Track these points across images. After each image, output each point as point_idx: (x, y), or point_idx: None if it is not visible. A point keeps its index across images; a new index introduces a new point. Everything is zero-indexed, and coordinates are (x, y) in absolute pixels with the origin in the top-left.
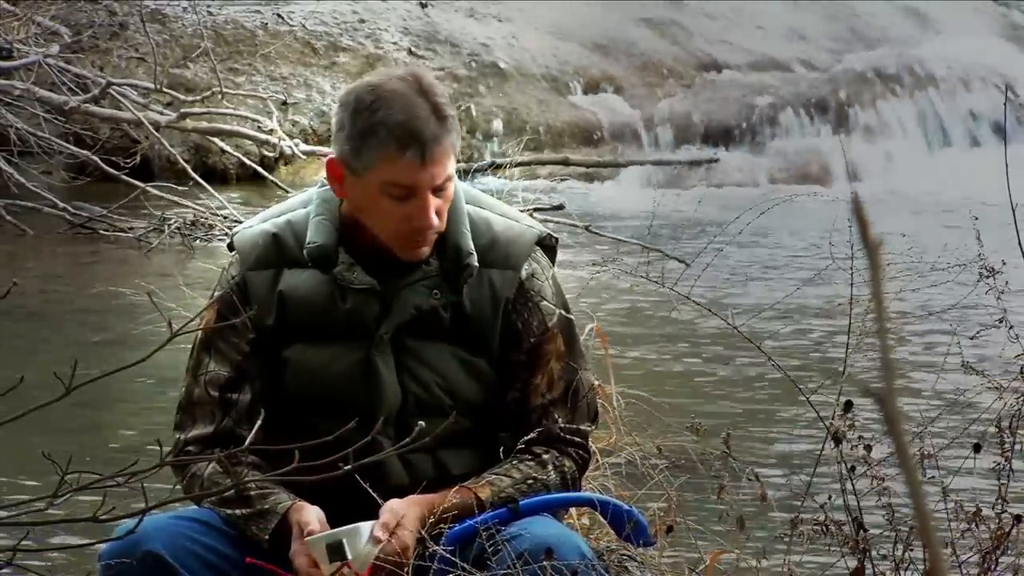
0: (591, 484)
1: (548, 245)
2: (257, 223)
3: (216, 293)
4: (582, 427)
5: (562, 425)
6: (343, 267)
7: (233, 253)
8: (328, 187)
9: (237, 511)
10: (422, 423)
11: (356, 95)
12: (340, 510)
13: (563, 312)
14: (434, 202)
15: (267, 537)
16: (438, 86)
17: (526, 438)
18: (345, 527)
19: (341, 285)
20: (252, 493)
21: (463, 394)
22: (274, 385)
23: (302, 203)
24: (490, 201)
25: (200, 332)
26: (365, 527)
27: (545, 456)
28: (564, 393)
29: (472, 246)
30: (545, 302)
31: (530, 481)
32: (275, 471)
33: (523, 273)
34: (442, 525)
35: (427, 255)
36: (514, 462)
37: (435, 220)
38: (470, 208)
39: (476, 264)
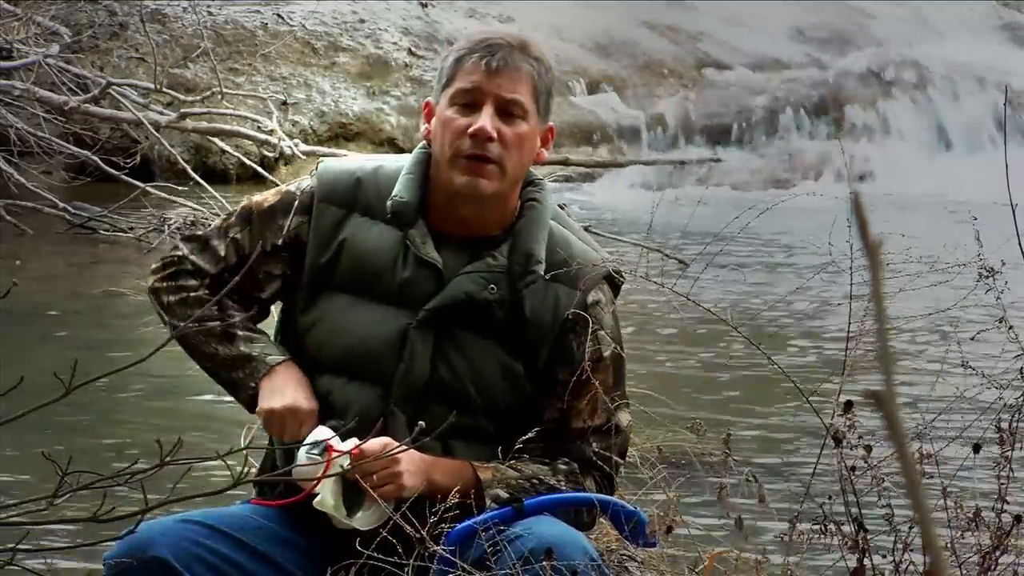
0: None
1: (616, 282)
2: (347, 163)
3: (287, 188)
4: (614, 457)
5: (595, 450)
6: (417, 232)
7: (313, 175)
8: (425, 150)
9: (220, 349)
10: (422, 423)
11: None
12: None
13: (617, 348)
14: (496, 122)
15: (253, 385)
16: (542, 50)
17: (525, 437)
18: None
19: (407, 247)
20: (238, 333)
21: (493, 395)
22: (297, 337)
23: (397, 159)
24: (575, 225)
25: (252, 201)
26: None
27: (562, 466)
28: (604, 424)
29: (543, 255)
30: (603, 332)
31: (535, 480)
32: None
33: (589, 298)
34: (443, 525)
35: (486, 191)
36: (524, 460)
37: (492, 132)
38: (553, 224)
39: (541, 272)
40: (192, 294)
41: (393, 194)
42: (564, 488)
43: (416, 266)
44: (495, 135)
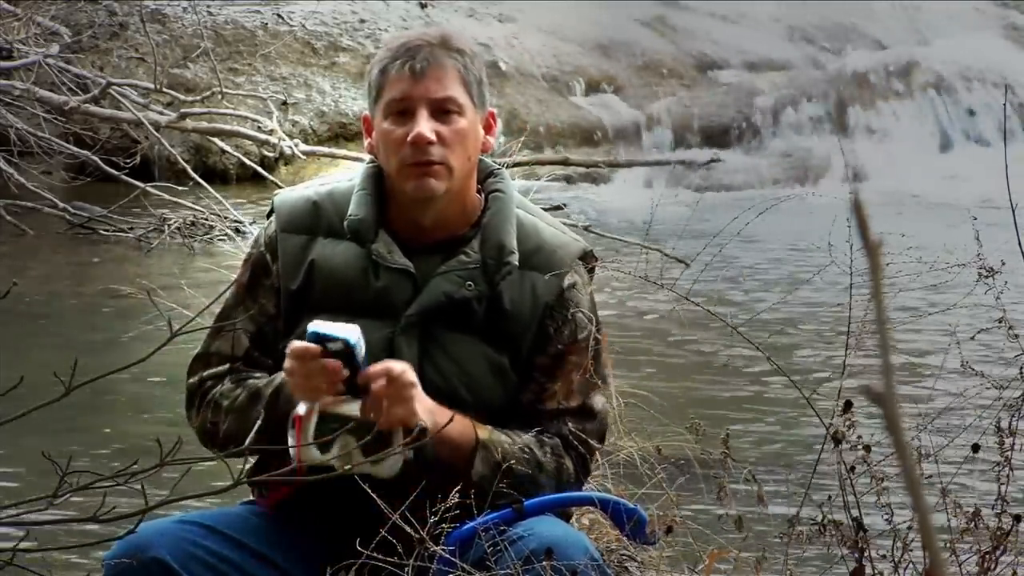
0: (591, 483)
1: (589, 263)
2: (300, 190)
3: (251, 252)
4: (590, 440)
5: (572, 429)
6: (381, 245)
7: (271, 216)
8: (374, 164)
9: (256, 409)
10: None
11: None
12: (339, 500)
13: (595, 329)
14: (433, 124)
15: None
16: (463, 40)
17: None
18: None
19: (376, 262)
20: (260, 386)
21: (483, 392)
22: (280, 363)
23: (348, 177)
24: (540, 211)
25: (232, 288)
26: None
27: (547, 439)
28: (580, 406)
29: (515, 245)
30: (580, 314)
31: (526, 450)
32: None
33: (565, 282)
34: (443, 525)
35: (437, 191)
36: (515, 429)
37: (430, 135)
38: (520, 212)
39: (516, 263)
40: (220, 391)
41: (349, 213)
42: (548, 459)
43: (389, 275)
44: (434, 138)
